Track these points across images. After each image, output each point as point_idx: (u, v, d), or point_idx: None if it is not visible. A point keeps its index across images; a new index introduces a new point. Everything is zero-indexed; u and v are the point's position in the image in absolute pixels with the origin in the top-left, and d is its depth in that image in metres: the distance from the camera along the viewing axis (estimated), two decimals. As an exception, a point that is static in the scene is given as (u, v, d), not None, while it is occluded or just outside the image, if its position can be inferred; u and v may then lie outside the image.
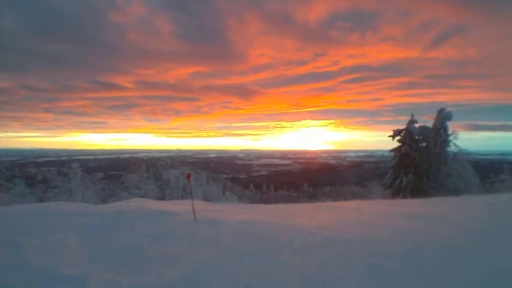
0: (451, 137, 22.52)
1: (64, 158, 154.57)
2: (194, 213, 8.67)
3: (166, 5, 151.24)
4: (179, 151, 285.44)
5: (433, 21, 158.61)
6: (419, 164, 22.77)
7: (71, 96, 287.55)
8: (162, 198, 28.02)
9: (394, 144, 23.88)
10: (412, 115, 23.45)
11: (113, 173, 64.86)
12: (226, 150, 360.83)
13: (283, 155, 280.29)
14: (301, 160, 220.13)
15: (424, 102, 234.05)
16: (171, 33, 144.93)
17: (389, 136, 24.08)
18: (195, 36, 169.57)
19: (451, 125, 22.82)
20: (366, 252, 5.60)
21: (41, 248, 5.81)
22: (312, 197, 52.62)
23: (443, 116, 22.60)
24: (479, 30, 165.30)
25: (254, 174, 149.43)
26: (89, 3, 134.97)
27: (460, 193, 19.98)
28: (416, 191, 21.94)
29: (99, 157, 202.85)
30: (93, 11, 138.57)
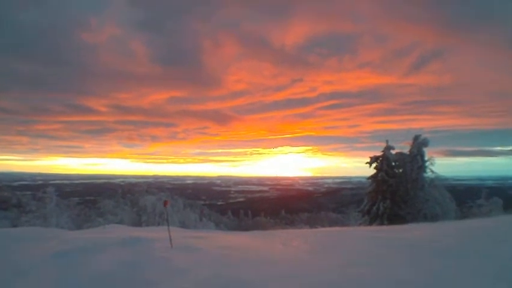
0: (427, 163, 22.77)
1: (40, 182, 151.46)
2: (170, 240, 8.48)
3: (140, 26, 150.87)
4: (156, 177, 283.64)
5: (411, 46, 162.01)
6: (396, 190, 22.89)
7: (45, 119, 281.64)
8: (138, 224, 27.66)
9: (372, 170, 24.03)
10: (387, 141, 23.69)
11: (89, 198, 63.60)
12: (204, 176, 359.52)
13: (261, 181, 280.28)
14: (279, 187, 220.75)
15: (401, 128, 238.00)
16: (146, 56, 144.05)
17: (367, 163, 24.23)
18: (170, 59, 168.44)
19: (427, 151, 23.12)
20: (342, 280, 5.52)
21: (14, 274, 5.74)
22: (290, 224, 52.40)
23: (419, 143, 22.90)
24: (457, 55, 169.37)
25: (231, 200, 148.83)
26: (63, 23, 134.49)
27: (438, 218, 20.10)
28: (394, 217, 21.99)
29: (75, 182, 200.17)
30: (67, 31, 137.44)
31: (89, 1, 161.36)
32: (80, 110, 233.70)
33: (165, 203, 9.78)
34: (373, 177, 23.86)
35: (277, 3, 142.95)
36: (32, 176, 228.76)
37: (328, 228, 20.46)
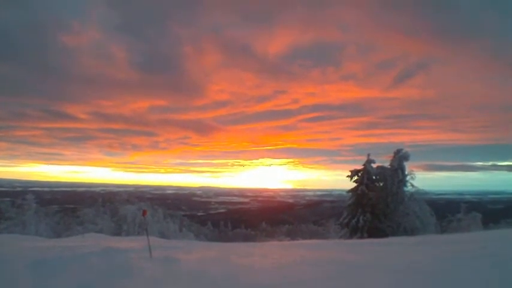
0: (408, 177, 23.05)
1: (19, 188, 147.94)
2: (150, 250, 8.36)
3: (120, 31, 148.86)
4: (137, 186, 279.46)
5: (395, 59, 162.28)
6: (377, 204, 23.02)
7: (24, 125, 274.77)
8: (118, 234, 27.41)
9: (352, 184, 24.17)
10: (369, 155, 23.90)
11: (69, 206, 62.16)
12: (184, 186, 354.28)
13: (242, 192, 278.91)
14: (260, 198, 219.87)
15: (382, 142, 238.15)
16: (127, 62, 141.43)
17: (348, 176, 24.38)
18: (151, 65, 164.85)
19: (408, 165, 23.42)
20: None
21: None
22: (270, 236, 52.21)
23: (400, 157, 23.15)
24: (441, 67, 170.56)
25: (212, 211, 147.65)
26: (43, 26, 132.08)
27: (417, 232, 20.27)
28: (374, 231, 22.09)
29: (55, 189, 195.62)
30: (47, 33, 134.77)
31: (69, 3, 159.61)
32: (60, 116, 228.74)
33: (143, 213, 9.66)
34: (353, 190, 23.99)
35: (262, 10, 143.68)
36: (11, 183, 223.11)
37: (308, 241, 20.43)
